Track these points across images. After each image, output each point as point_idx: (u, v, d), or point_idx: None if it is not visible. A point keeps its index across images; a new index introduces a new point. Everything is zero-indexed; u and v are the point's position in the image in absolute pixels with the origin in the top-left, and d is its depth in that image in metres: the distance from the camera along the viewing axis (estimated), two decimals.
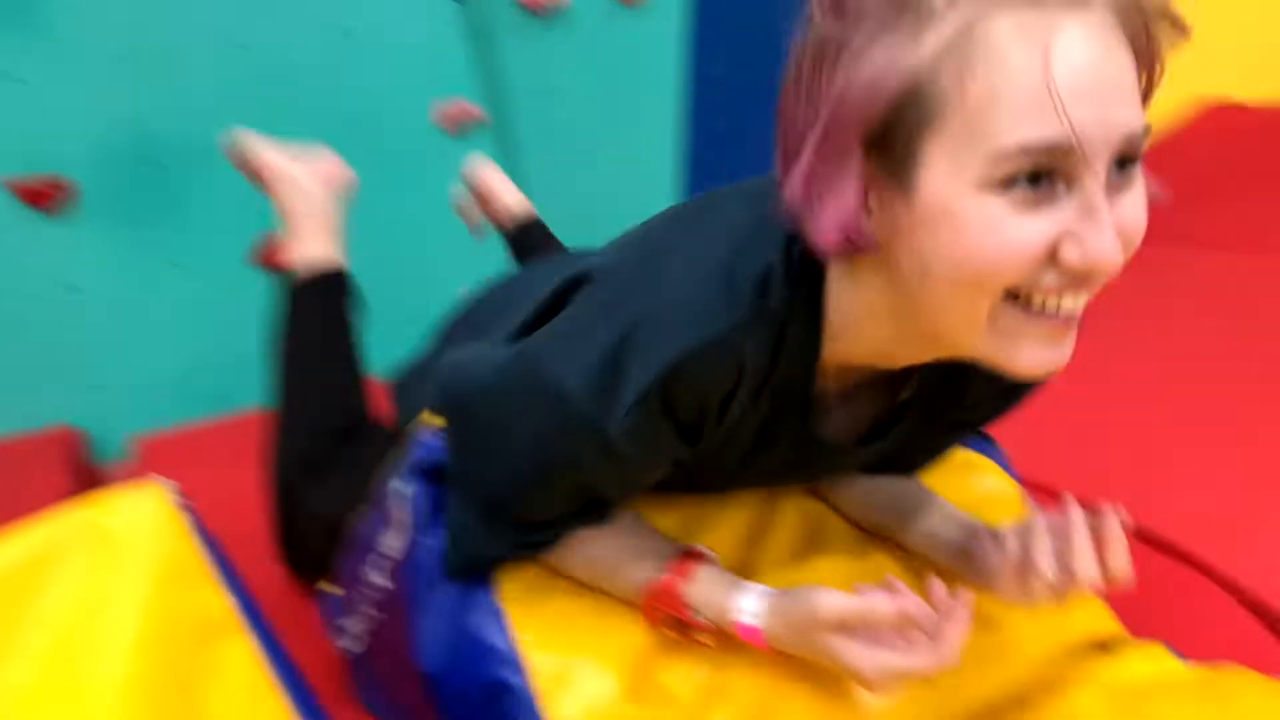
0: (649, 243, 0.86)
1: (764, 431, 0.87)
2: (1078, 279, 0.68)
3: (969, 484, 1.15)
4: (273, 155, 1.56)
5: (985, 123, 0.64)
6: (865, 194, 0.71)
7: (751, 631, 0.87)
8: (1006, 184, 0.65)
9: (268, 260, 2.29)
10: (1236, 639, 1.10)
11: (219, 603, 0.87)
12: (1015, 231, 0.66)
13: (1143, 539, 1.30)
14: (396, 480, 1.03)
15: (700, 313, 0.75)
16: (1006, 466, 1.20)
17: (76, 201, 2.16)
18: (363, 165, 1.69)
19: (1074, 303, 0.69)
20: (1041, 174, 0.65)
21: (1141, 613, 1.08)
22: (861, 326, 0.79)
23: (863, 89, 0.66)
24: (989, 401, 0.96)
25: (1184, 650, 1.03)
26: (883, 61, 0.65)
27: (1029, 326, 0.70)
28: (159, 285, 2.27)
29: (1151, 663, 1.00)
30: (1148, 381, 1.76)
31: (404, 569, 0.99)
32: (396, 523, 1.01)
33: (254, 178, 1.61)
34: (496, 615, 0.93)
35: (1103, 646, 1.04)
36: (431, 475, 1.00)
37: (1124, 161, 0.67)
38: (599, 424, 0.79)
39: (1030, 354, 0.71)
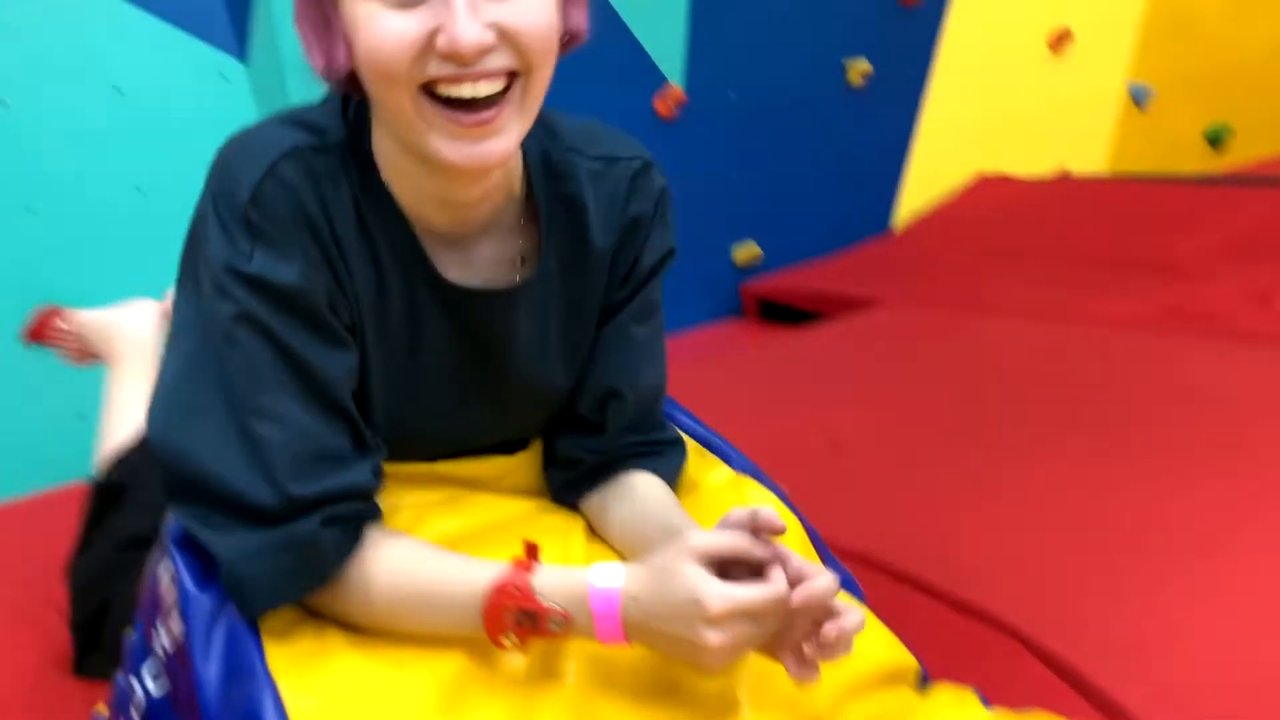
0: None
1: (412, 310, 0.95)
2: (458, 64, 0.80)
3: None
4: (87, 315, 1.55)
5: None
6: (330, 23, 0.86)
7: (608, 597, 0.83)
8: None
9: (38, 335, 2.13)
10: (1037, 697, 1.10)
11: None
12: (389, 24, 0.80)
13: (952, 605, 1.31)
14: (159, 564, 0.96)
15: (267, 144, 0.88)
16: (786, 501, 1.17)
17: None
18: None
19: (472, 90, 0.82)
20: None
21: (944, 669, 1.08)
22: (395, 163, 0.91)
23: None
24: (629, 251, 1.03)
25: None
26: None
27: (443, 118, 0.83)
28: None
29: (963, 708, 0.99)
30: (941, 443, 1.81)
31: (177, 656, 0.91)
32: (165, 608, 0.93)
33: (77, 349, 1.59)
34: (269, 689, 0.85)
35: (900, 678, 1.02)
36: (186, 544, 0.92)
37: None
38: (236, 264, 0.85)
39: (453, 146, 0.84)
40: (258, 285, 0.85)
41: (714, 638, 0.80)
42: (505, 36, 0.81)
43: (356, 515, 0.89)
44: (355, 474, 0.89)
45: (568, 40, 0.90)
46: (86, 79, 2.15)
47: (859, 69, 3.08)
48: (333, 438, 0.88)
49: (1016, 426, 1.82)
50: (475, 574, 0.86)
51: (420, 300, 0.95)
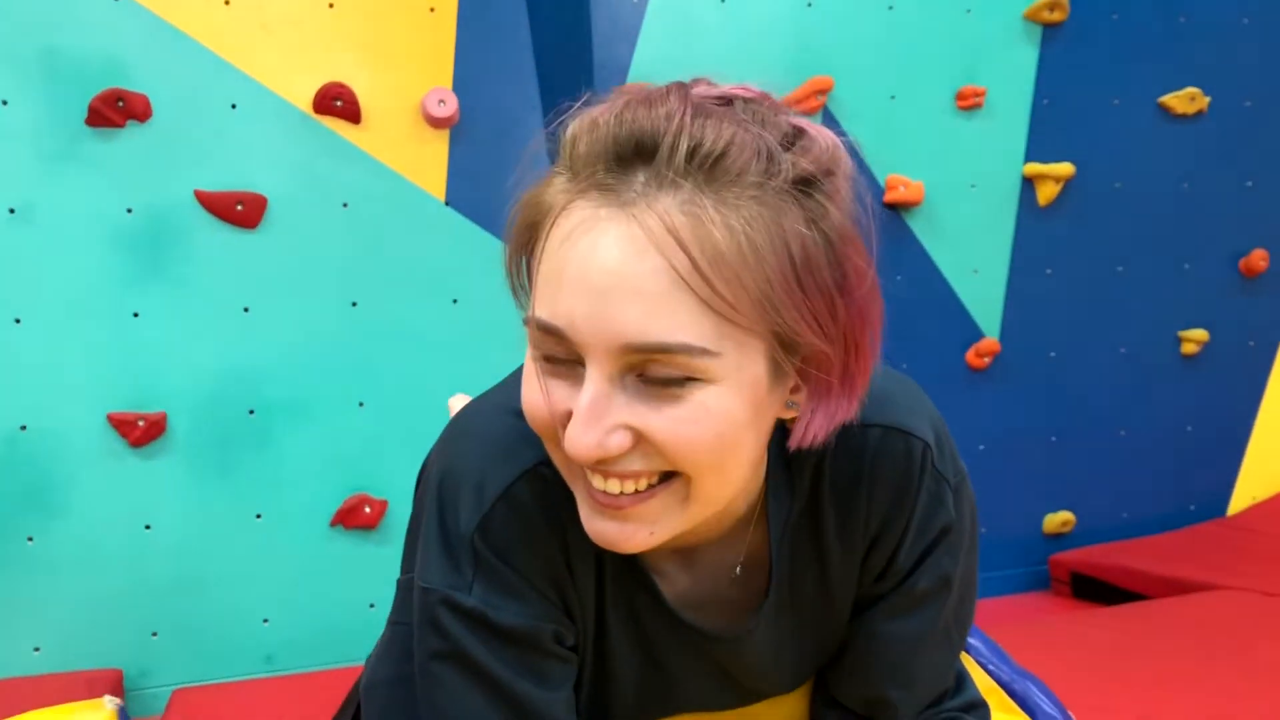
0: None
1: (636, 629, 0.84)
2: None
3: None
4: None
5: (535, 293, 0.69)
6: None
7: None
8: (539, 351, 0.69)
9: (351, 523, 2.25)
10: None
11: None
12: (533, 390, 0.69)
13: None
14: None
15: (502, 455, 0.78)
16: None
17: (168, 439, 2.18)
18: None
19: (604, 485, 0.69)
20: (568, 354, 0.67)
21: None
22: None
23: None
24: (884, 544, 0.83)
25: None
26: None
27: (583, 487, 0.71)
28: (237, 535, 2.23)
29: None
30: None
31: None
32: None
33: None
34: None
35: None
36: None
37: (669, 380, 0.65)
38: (455, 596, 0.77)
39: (591, 519, 0.71)
40: (476, 620, 0.78)
41: None
42: (645, 442, 0.67)
43: None
44: None
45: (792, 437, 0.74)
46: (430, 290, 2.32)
47: (1195, 339, 2.90)
48: None
49: None
50: None
51: (643, 620, 0.84)
